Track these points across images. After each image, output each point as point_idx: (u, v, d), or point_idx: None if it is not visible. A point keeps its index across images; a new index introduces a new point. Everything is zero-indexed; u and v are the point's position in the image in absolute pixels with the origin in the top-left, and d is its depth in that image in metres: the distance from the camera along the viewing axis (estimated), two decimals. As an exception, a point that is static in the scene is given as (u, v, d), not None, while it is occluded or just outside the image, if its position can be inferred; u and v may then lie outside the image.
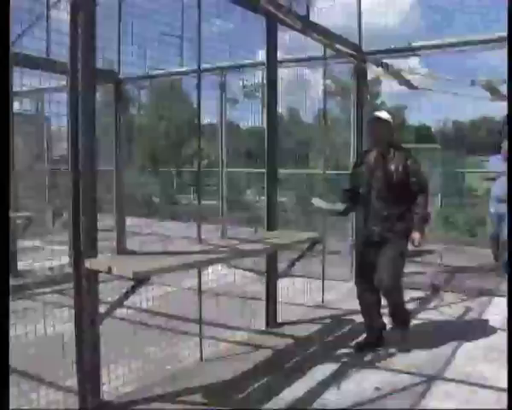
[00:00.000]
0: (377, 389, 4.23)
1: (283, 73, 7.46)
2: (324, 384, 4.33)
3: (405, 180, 4.91)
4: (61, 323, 3.95)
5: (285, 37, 6.32)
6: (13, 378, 3.82)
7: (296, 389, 4.23)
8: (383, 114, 5.17)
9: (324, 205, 5.37)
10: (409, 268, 8.48)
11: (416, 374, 4.50)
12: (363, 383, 4.35)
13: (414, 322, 5.99)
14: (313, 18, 6.41)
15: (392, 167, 4.93)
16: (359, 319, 6.04)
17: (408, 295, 7.02)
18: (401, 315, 5.24)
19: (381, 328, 5.22)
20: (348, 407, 3.95)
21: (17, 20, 5.34)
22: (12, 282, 5.95)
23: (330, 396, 4.11)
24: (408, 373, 4.53)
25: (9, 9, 2.52)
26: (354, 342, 5.13)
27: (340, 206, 5.29)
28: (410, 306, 6.56)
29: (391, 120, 5.11)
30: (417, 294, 7.09)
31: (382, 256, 4.94)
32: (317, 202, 5.43)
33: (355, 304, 6.66)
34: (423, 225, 4.98)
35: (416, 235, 4.91)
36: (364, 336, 5.22)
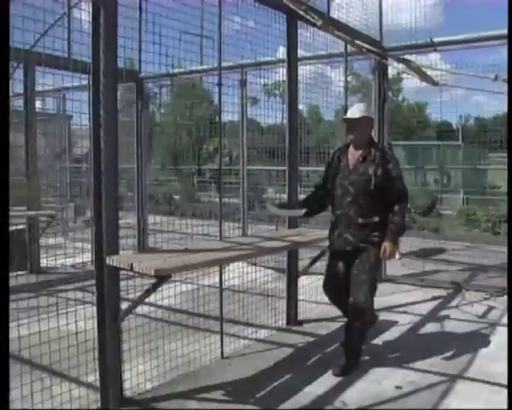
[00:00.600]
0: (398, 387, 4.21)
1: (304, 70, 7.45)
2: (345, 382, 4.31)
3: (385, 186, 4.42)
4: (83, 319, 3.98)
5: (305, 34, 6.28)
6: (36, 374, 3.89)
7: (317, 387, 4.23)
8: (365, 111, 4.60)
9: (280, 212, 5.00)
10: (430, 266, 8.48)
11: (438, 373, 4.47)
12: (384, 381, 4.33)
13: (437, 321, 5.95)
14: (333, 14, 6.40)
15: (372, 171, 4.42)
16: (381, 316, 6.02)
17: (430, 293, 7.00)
18: (359, 344, 4.65)
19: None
20: (368, 406, 3.93)
21: (39, 20, 5.38)
22: (34, 279, 6.05)
23: (351, 394, 4.10)
24: (429, 372, 4.50)
25: (9, 9, 2.53)
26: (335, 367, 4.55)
27: (297, 212, 4.91)
28: (432, 304, 6.54)
29: (373, 117, 4.67)
30: (439, 292, 7.04)
31: (356, 271, 4.48)
32: (272, 209, 5.00)
33: (376, 302, 6.64)
34: (398, 236, 4.57)
35: (387, 246, 4.41)
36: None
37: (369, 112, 4.65)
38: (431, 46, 7.22)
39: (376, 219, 4.46)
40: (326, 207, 4.95)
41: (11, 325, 3.70)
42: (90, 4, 3.73)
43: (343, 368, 4.48)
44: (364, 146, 4.54)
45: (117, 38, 3.77)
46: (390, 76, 8.04)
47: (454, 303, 6.62)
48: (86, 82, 3.94)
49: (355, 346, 4.62)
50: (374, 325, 4.95)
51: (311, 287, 6.42)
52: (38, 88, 8.28)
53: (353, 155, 4.58)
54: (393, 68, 7.81)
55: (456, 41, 7.07)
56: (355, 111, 4.60)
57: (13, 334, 3.70)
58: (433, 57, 8.34)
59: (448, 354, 4.92)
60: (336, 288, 4.71)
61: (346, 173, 4.55)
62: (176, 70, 9.09)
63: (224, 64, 5.83)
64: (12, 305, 4.11)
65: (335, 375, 4.43)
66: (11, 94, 10.25)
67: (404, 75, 8.62)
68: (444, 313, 6.25)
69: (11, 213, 7.44)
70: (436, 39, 7.11)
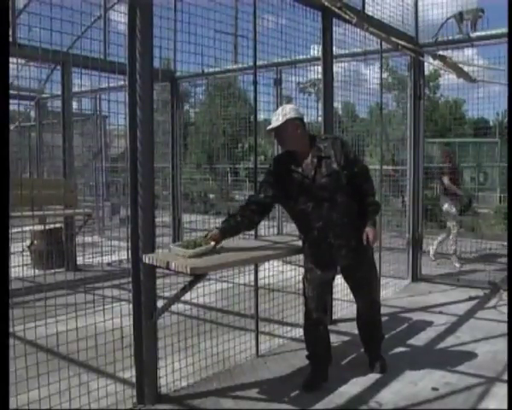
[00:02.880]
0: (434, 389, 4.16)
1: (338, 68, 7.41)
2: (380, 383, 4.28)
3: (349, 169, 4.06)
4: (119, 316, 4.03)
5: (339, 31, 6.23)
6: (73, 369, 3.96)
7: (352, 387, 4.20)
8: (288, 113, 3.99)
9: (178, 250, 3.90)
10: (466, 266, 8.36)
11: (475, 375, 4.40)
12: (420, 382, 4.28)
13: (474, 321, 5.87)
14: (368, 10, 6.34)
15: (336, 165, 4.00)
16: (416, 316, 5.99)
17: (466, 293, 6.90)
18: (382, 333, 4.65)
19: (330, 362, 4.44)
20: (404, 407, 3.90)
21: (76, 22, 5.49)
22: (71, 276, 6.15)
23: (386, 395, 4.06)
24: (466, 374, 4.43)
25: (9, 7, 2.57)
26: (303, 383, 4.24)
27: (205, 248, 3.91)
28: (469, 304, 6.45)
29: (300, 115, 4.08)
30: (476, 292, 6.93)
31: (361, 273, 4.28)
32: (176, 250, 3.95)
33: (412, 301, 6.59)
34: (376, 216, 4.24)
35: (370, 232, 4.09)
36: (310, 373, 4.32)
37: (293, 112, 4.04)
38: (468, 41, 7.10)
39: (355, 208, 4.13)
40: (254, 225, 4.48)
41: (50, 320, 3.80)
42: (127, 6, 3.77)
43: (383, 366, 4.49)
44: (308, 145, 4.07)
45: (153, 39, 3.80)
46: (427, 72, 7.91)
47: (491, 304, 6.51)
48: (122, 83, 3.98)
49: (381, 337, 4.63)
50: None
51: (346, 286, 6.38)
52: (75, 89, 8.41)
53: (302, 159, 4.06)
54: (430, 65, 7.69)
55: (494, 35, 6.92)
56: (279, 117, 4.00)
57: (51, 330, 3.79)
58: (470, 52, 8.18)
59: (485, 355, 4.84)
60: (325, 295, 4.46)
61: (309, 183, 4.01)
62: (211, 69, 9.13)
63: (259, 63, 5.83)
64: (50, 301, 4.20)
65: (378, 373, 4.43)
66: (49, 95, 10.48)
67: (442, 72, 8.51)
68: (481, 313, 6.15)
69: (49, 212, 7.61)
70: (473, 34, 6.98)
